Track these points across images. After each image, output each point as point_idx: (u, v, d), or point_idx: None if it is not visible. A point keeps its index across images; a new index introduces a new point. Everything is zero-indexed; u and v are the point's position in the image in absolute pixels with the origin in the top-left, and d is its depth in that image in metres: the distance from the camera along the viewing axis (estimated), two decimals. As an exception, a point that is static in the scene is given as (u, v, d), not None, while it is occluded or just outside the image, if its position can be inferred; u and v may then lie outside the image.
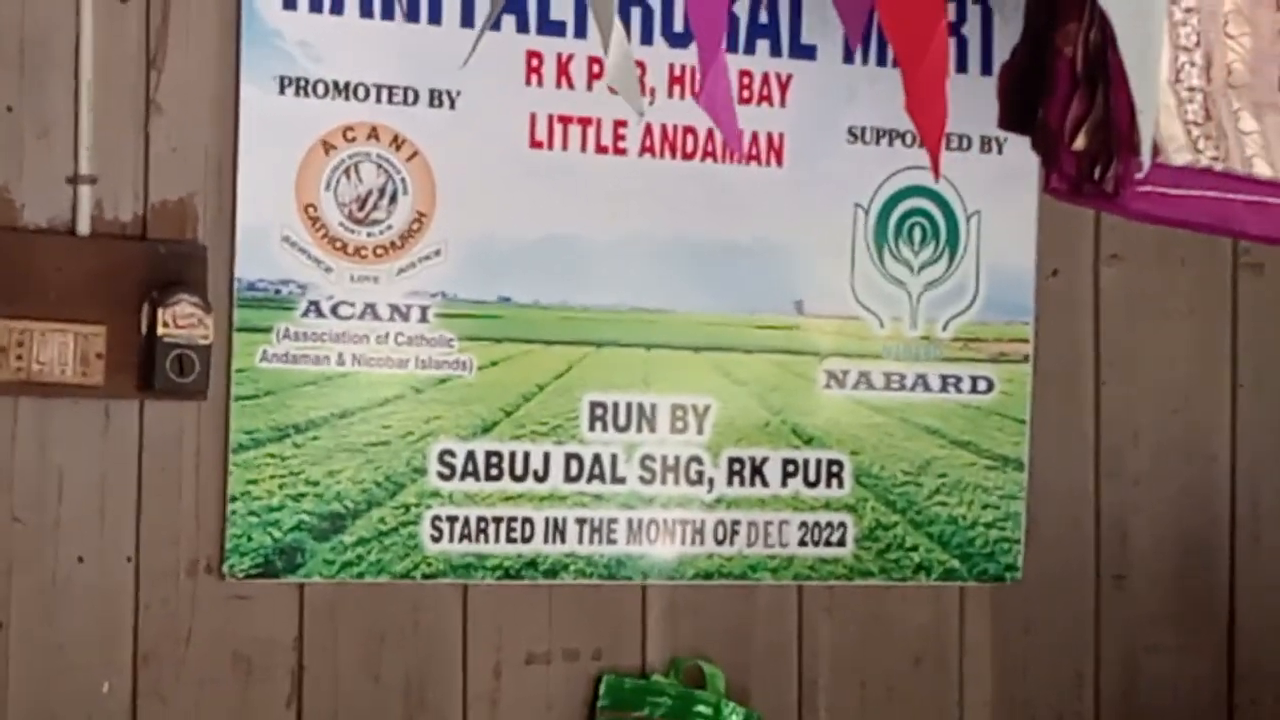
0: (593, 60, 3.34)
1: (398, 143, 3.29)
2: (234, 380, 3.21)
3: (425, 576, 3.31)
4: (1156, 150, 2.54)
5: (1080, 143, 2.61)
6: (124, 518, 3.17)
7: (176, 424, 3.19)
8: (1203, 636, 3.66)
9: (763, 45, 3.48)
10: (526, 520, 3.36)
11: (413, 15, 3.29)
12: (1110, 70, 2.57)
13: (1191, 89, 2.58)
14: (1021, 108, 2.75)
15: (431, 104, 3.30)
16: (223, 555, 3.20)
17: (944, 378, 3.58)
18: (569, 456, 3.39)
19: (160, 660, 3.18)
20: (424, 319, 3.31)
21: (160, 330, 3.10)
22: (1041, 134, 2.69)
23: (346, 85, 3.26)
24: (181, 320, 3.11)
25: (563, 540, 3.38)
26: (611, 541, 3.40)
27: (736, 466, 3.47)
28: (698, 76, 3.39)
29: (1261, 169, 2.61)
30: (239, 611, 3.22)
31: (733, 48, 3.37)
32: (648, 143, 3.41)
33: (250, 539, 3.21)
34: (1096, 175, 2.60)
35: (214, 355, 3.15)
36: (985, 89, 2.96)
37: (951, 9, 3.54)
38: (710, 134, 3.43)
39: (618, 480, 3.41)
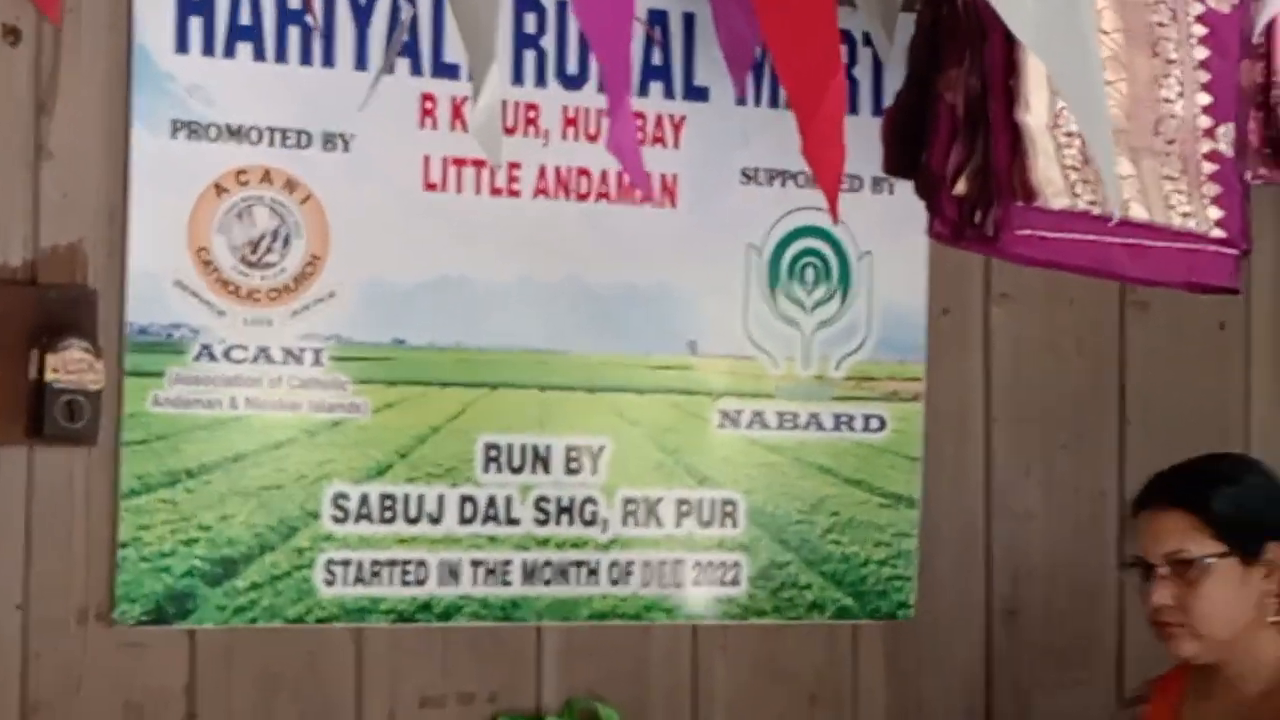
0: (486, 103, 3.35)
1: (291, 186, 3.29)
2: (125, 425, 3.19)
3: (319, 621, 3.30)
4: (1035, 194, 2.58)
5: (961, 187, 2.65)
6: (13, 565, 3.15)
7: (66, 470, 3.17)
8: (1094, 670, 3.70)
9: (656, 87, 3.50)
10: (421, 563, 3.36)
11: (306, 58, 3.29)
12: (990, 116, 2.61)
13: (1069, 134, 2.62)
14: (905, 152, 2.79)
15: (325, 147, 3.31)
16: (113, 602, 3.18)
17: (837, 416, 3.61)
18: (464, 498, 3.39)
19: (50, 710, 3.15)
20: (318, 362, 3.31)
21: (49, 376, 3.08)
22: (924, 179, 2.73)
23: (239, 128, 3.26)
24: (71, 366, 3.09)
25: (457, 582, 3.38)
26: (506, 583, 3.40)
27: (631, 507, 3.49)
28: (593, 119, 3.44)
29: (1138, 212, 2.66)
30: (130, 659, 3.20)
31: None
32: (542, 184, 3.43)
33: (141, 585, 3.19)
34: (977, 220, 2.63)
35: (105, 400, 3.13)
36: (876, 130, 3.00)
37: (843, 51, 3.56)
38: (604, 175, 3.45)
39: (512, 522, 3.41)
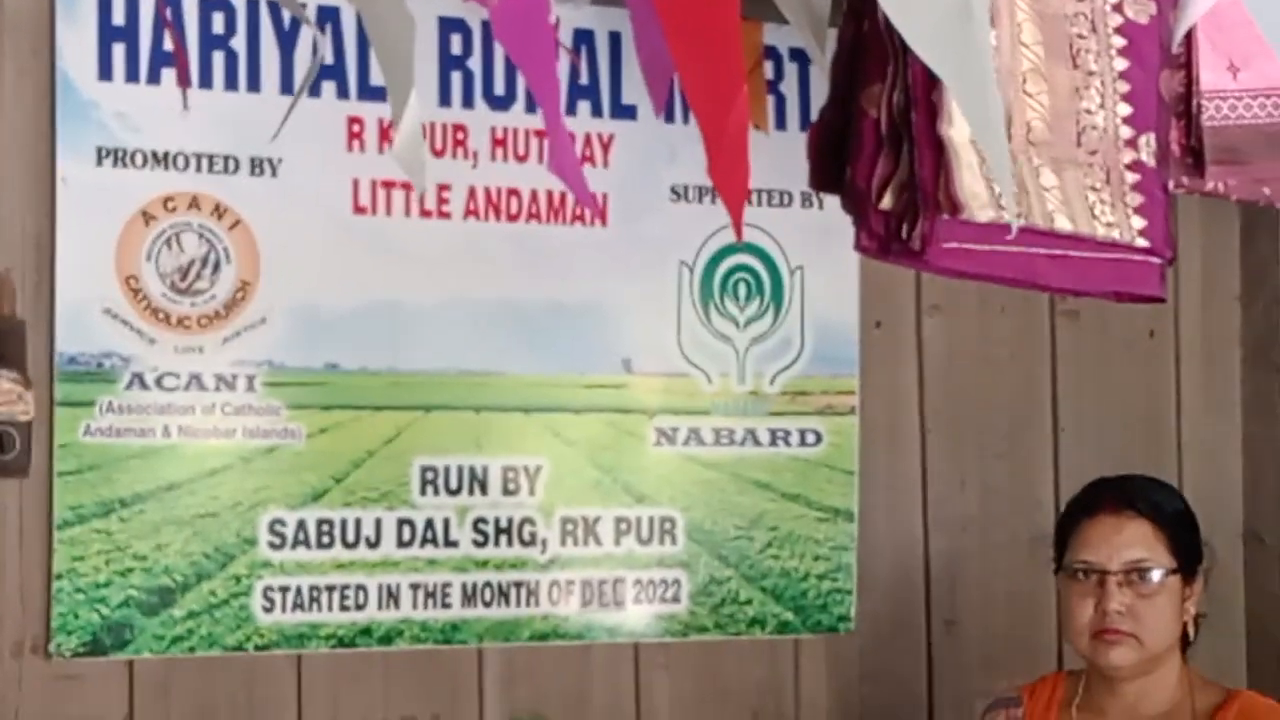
0: (414, 125, 3.34)
1: (219, 211, 3.28)
2: (56, 456, 3.17)
3: (258, 648, 3.28)
4: (960, 207, 2.59)
5: (887, 202, 2.66)
6: (-54, 599, 3.13)
7: (-2, 502, 3.15)
8: (1033, 679, 3.71)
9: (584, 106, 3.50)
10: (360, 587, 3.35)
11: (231, 83, 3.28)
12: (914, 130, 2.62)
13: (992, 146, 2.63)
14: (831, 167, 2.80)
15: (253, 172, 3.30)
16: (49, 634, 3.16)
17: (773, 432, 3.62)
18: (401, 522, 3.38)
19: (-14, 744, 3.13)
20: (251, 388, 3.29)
21: (-22, 408, 3.06)
22: (850, 193, 2.74)
23: (166, 155, 3.25)
24: (1, 397, 3.07)
25: (397, 606, 3.37)
26: (446, 606, 3.40)
27: (569, 526, 3.48)
28: (522, 140, 3.44)
29: (1062, 223, 2.67)
30: (67, 691, 3.18)
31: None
32: (471, 206, 3.43)
33: (77, 616, 3.17)
34: (903, 234, 2.64)
35: (35, 431, 3.11)
36: (803, 145, 3.00)
37: (769, 66, 3.59)
38: (534, 195, 3.45)
39: (450, 544, 3.41)
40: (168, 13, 3.18)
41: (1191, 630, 3.10)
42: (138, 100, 3.22)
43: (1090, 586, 3.05)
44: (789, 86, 3.61)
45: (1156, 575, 3.03)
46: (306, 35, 3.29)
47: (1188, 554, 3.07)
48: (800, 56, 3.54)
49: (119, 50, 3.21)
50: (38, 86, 3.18)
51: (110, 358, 3.21)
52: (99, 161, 3.20)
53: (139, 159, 3.23)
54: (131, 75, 3.22)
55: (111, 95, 3.21)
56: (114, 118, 3.21)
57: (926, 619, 3.74)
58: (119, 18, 3.21)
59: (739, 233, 2.32)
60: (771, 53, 3.56)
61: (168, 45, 3.22)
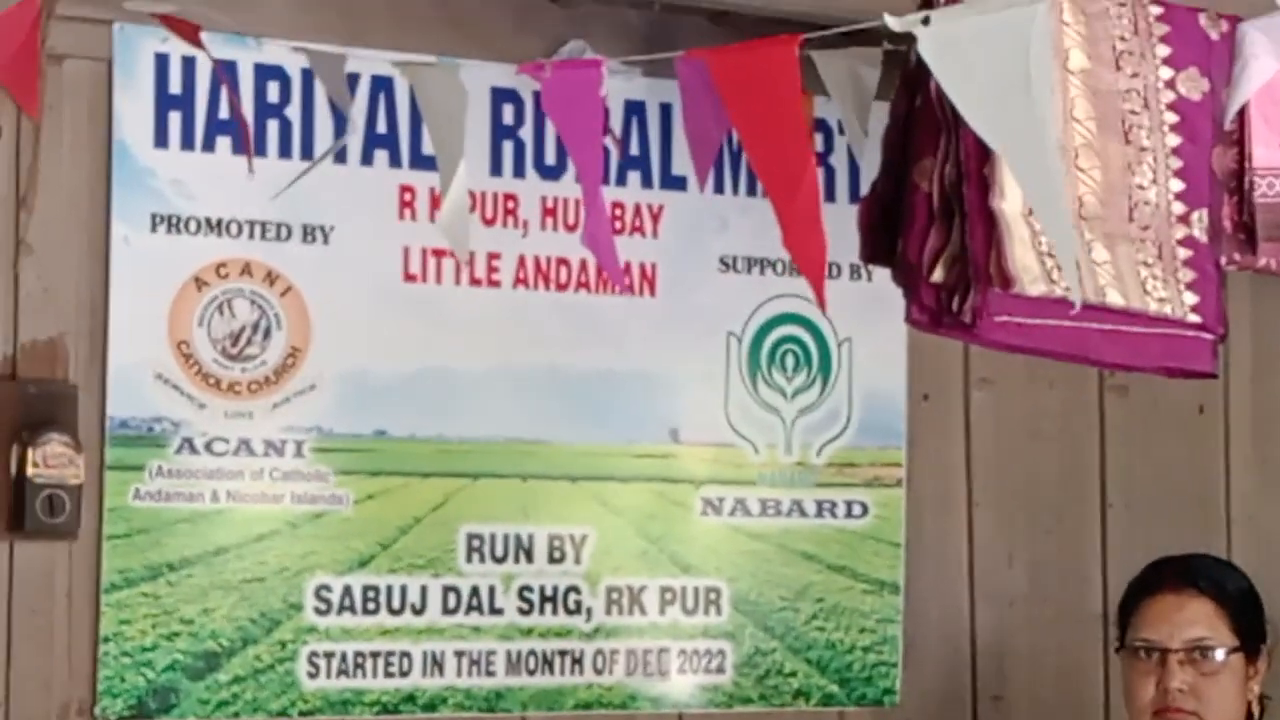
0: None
1: (271, 278, 3.30)
2: (106, 519, 3.18)
3: (302, 714, 3.28)
4: (1012, 280, 2.59)
5: (938, 275, 2.66)
6: (-7, 662, 3.14)
7: (47, 565, 3.16)
8: (1080, 756, 3.70)
9: (634, 177, 3.52)
10: (404, 654, 3.35)
11: (285, 151, 3.31)
12: (966, 204, 2.63)
13: (1044, 222, 2.64)
14: (882, 240, 2.81)
15: (305, 239, 3.32)
16: (95, 698, 3.16)
17: (819, 503, 3.61)
18: (446, 589, 3.38)
19: (32, 807, 3.13)
20: (299, 454, 3.30)
21: (30, 470, 3.07)
22: (901, 266, 2.74)
23: (219, 222, 3.27)
24: (52, 460, 3.09)
25: (441, 673, 3.37)
26: (490, 674, 3.39)
27: (614, 595, 3.48)
28: (571, 210, 3.46)
29: (1114, 298, 2.67)
30: (112, 754, 3.18)
31: (604, 179, 3.41)
32: (521, 274, 3.44)
33: (123, 680, 3.18)
34: (955, 307, 2.65)
35: (85, 494, 3.13)
36: (853, 218, 3.01)
37: (819, 139, 3.60)
38: (584, 264, 3.46)
39: (495, 611, 3.40)
40: (225, 82, 3.20)
41: (1256, 710, 3.07)
42: (193, 167, 3.25)
43: (1152, 665, 3.05)
44: (839, 159, 3.63)
45: (1219, 654, 3.02)
46: (360, 105, 3.32)
47: (1251, 633, 3.06)
48: (845, 130, 3.55)
49: (175, 118, 3.24)
50: (94, 153, 3.21)
51: (161, 422, 3.22)
52: (153, 228, 3.23)
53: (193, 225, 3.25)
54: (187, 143, 3.25)
55: (167, 162, 3.24)
56: (169, 185, 3.24)
57: (973, 694, 3.72)
58: (175, 86, 3.24)
59: (822, 303, 2.33)
60: (821, 125, 3.57)
61: (223, 114, 3.24)
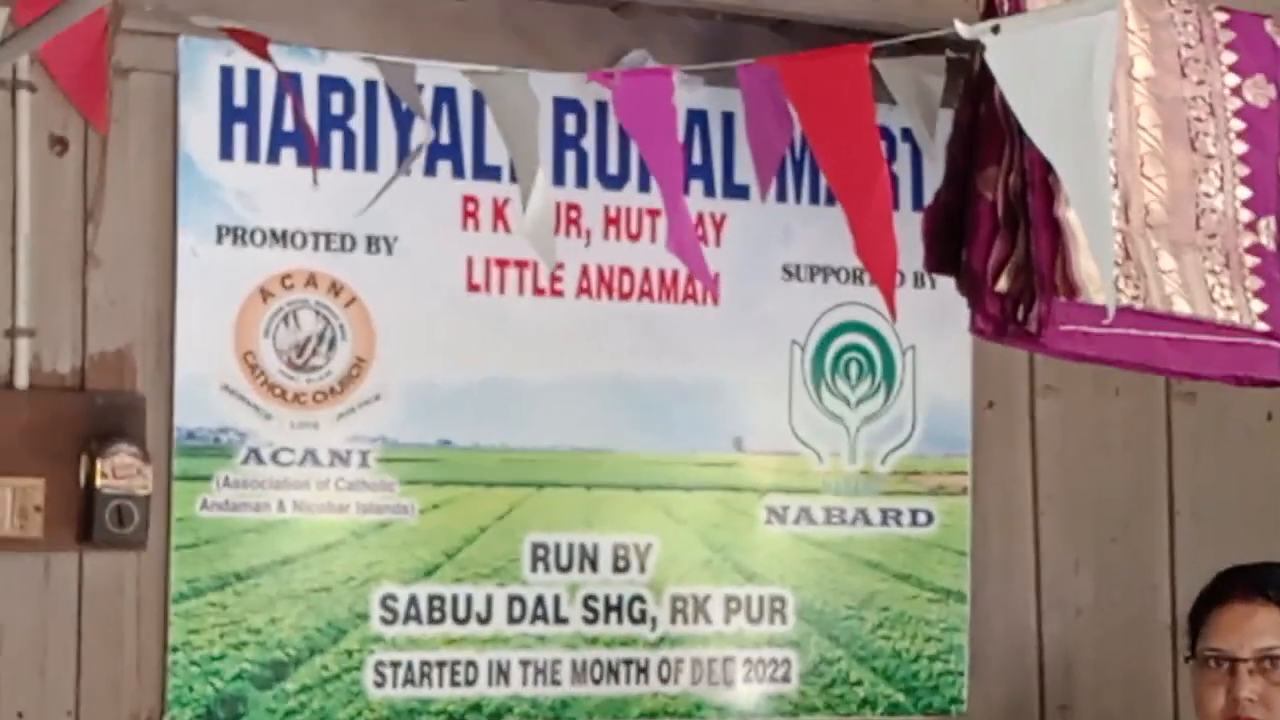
0: (529, 204, 3.37)
1: (336, 289, 3.31)
2: (174, 529, 3.20)
3: (369, 723, 3.30)
4: (1077, 289, 2.58)
5: (1003, 284, 2.66)
6: (64, 671, 3.15)
7: (116, 575, 3.18)
8: (1148, 765, 3.67)
9: (697, 186, 3.52)
10: (470, 663, 3.36)
11: (349, 163, 3.32)
12: (1030, 213, 2.62)
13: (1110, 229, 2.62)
14: (947, 250, 2.80)
15: (369, 250, 3.33)
16: (164, 707, 3.18)
17: (884, 511, 3.60)
18: (511, 598, 3.39)
19: (102, 816, 3.16)
20: (364, 464, 3.32)
21: (99, 481, 3.10)
22: (966, 276, 2.73)
23: (284, 233, 3.29)
24: (120, 471, 3.11)
25: (507, 682, 3.37)
26: (555, 683, 3.40)
27: (679, 604, 3.48)
28: (634, 219, 3.46)
29: (1181, 306, 2.66)
30: (181, 763, 3.20)
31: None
32: (584, 284, 3.44)
33: (192, 689, 3.20)
34: (1020, 316, 2.63)
35: (153, 505, 3.15)
36: (917, 226, 3.00)
37: (882, 147, 3.58)
38: (646, 274, 3.47)
39: (561, 621, 3.41)
40: (291, 94, 3.22)
41: None
42: (258, 179, 3.27)
43: (1221, 675, 3.04)
44: (901, 167, 3.61)
45: None
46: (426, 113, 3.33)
47: None
48: (912, 138, 3.54)
49: (240, 130, 3.26)
50: (160, 165, 3.23)
51: (227, 433, 3.24)
52: (219, 239, 3.25)
53: (258, 237, 3.27)
54: (252, 155, 3.27)
55: (232, 174, 3.26)
56: (235, 196, 3.26)
57: (1040, 703, 3.70)
58: (240, 99, 3.26)
59: (893, 311, 2.32)
60: (884, 133, 3.54)
61: (288, 125, 3.26)
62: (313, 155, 3.18)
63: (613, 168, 3.47)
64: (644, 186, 3.44)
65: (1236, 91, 2.77)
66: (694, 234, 2.66)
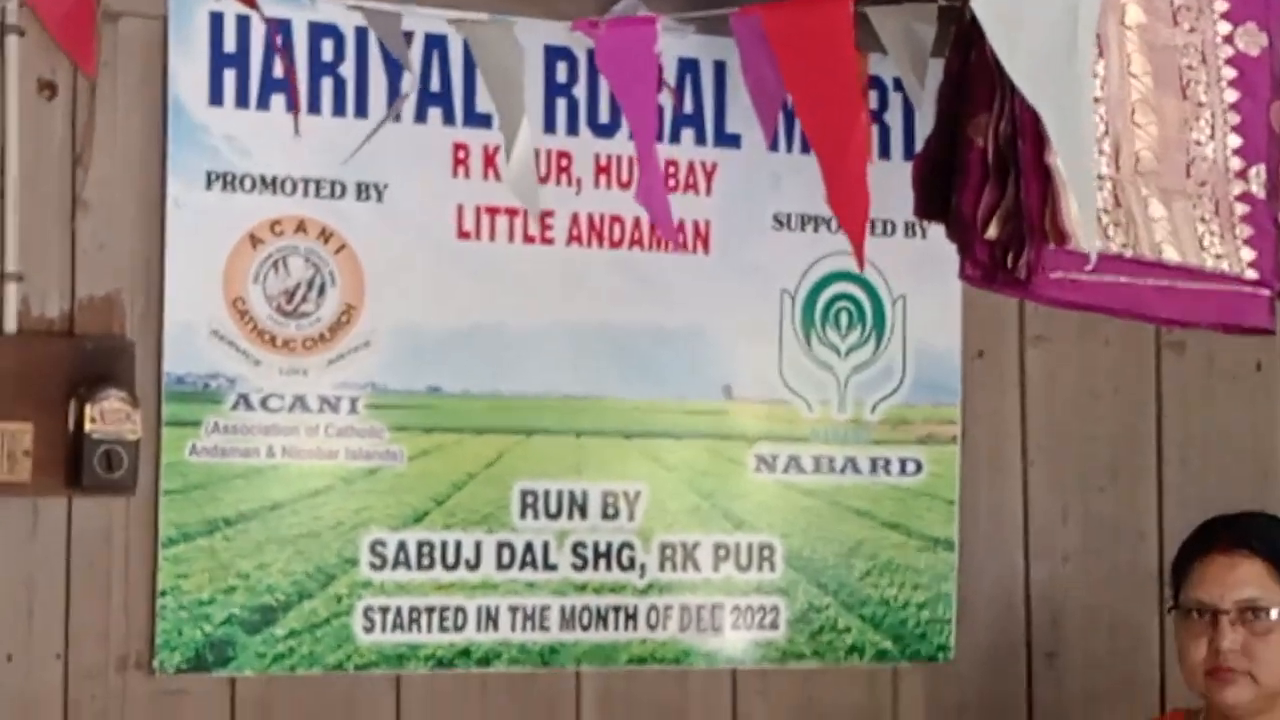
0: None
1: (325, 235, 3.31)
2: (163, 474, 3.21)
3: (358, 668, 3.30)
4: (1067, 236, 2.58)
5: (993, 231, 2.65)
6: (53, 615, 3.16)
7: (105, 520, 3.19)
8: (1135, 713, 3.68)
9: (688, 134, 3.51)
10: (459, 609, 3.37)
11: (339, 109, 3.31)
12: (1020, 160, 2.62)
13: (1100, 177, 2.63)
14: (936, 197, 2.80)
15: (359, 197, 3.33)
16: (153, 651, 3.20)
17: (873, 460, 3.61)
18: (500, 545, 3.40)
19: (90, 759, 3.17)
20: (354, 410, 3.32)
21: (88, 426, 3.10)
22: (955, 222, 2.73)
23: (274, 179, 3.28)
24: (109, 416, 3.11)
25: (496, 628, 3.38)
26: (544, 629, 3.41)
27: (668, 552, 3.49)
28: (625, 167, 3.45)
29: (1170, 254, 2.66)
30: (170, 707, 3.21)
31: (658, 137, 3.40)
32: (574, 232, 3.44)
33: (180, 633, 3.20)
34: (1009, 263, 2.64)
35: (142, 450, 3.15)
36: (908, 175, 3.00)
37: (873, 96, 3.59)
38: (637, 222, 3.46)
39: (550, 568, 3.42)
40: (279, 39, 3.21)
41: None
42: (247, 125, 3.26)
43: (1204, 625, 3.05)
44: (893, 116, 3.61)
45: (1272, 614, 3.02)
46: (414, 61, 3.32)
47: None
48: (904, 86, 3.53)
49: (230, 76, 3.25)
50: (149, 111, 3.23)
51: (217, 378, 3.25)
52: (208, 185, 3.24)
53: (247, 183, 3.27)
54: (242, 101, 3.26)
55: (222, 120, 3.25)
56: (224, 142, 3.25)
57: (1027, 650, 3.72)
58: (230, 44, 3.25)
59: (861, 263, 2.33)
60: (876, 82, 3.55)
61: (277, 72, 3.25)
62: (295, 104, 3.17)
63: (604, 116, 3.46)
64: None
65: (1228, 39, 2.76)
66: (663, 184, 2.67)
